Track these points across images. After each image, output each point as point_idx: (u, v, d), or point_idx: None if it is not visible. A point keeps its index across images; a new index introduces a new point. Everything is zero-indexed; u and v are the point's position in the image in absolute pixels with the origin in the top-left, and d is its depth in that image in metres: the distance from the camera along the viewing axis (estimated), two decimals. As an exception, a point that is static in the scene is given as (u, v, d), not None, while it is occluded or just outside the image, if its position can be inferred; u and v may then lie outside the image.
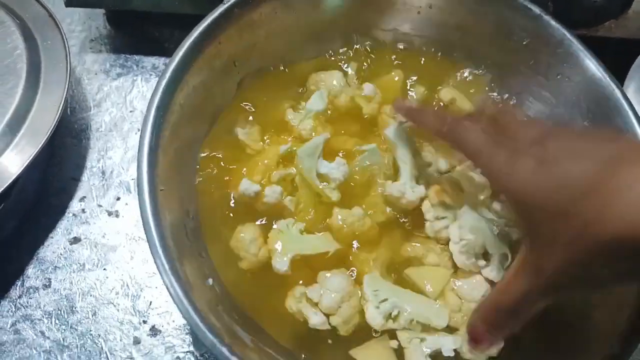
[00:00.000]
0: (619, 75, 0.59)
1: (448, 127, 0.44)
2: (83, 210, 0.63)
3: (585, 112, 0.56)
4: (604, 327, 0.46)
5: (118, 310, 0.57)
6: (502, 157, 0.38)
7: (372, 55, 0.64)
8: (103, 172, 0.65)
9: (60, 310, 0.57)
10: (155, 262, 0.42)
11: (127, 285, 0.59)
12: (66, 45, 0.64)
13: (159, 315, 0.57)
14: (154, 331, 0.57)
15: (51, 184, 0.64)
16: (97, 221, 0.62)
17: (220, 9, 0.53)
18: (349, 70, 0.63)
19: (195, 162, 0.54)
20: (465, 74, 0.64)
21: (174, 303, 0.41)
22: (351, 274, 0.51)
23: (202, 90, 0.53)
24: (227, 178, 0.55)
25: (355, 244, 0.53)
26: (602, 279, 0.35)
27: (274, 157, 0.55)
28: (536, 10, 0.57)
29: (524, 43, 0.59)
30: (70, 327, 0.57)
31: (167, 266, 0.41)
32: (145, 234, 0.43)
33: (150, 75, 0.72)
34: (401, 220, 0.54)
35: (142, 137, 0.46)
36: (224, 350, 0.38)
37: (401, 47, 0.65)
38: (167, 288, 0.41)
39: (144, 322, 0.57)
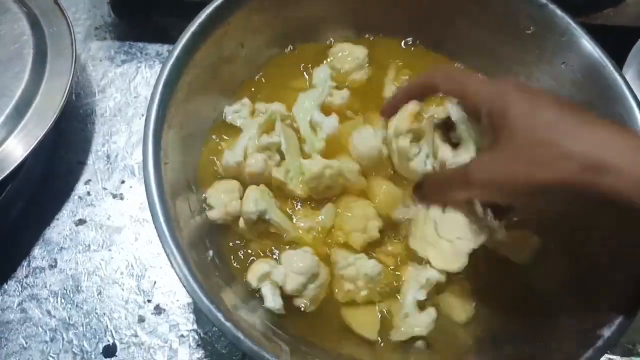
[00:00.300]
0: (618, 61, 0.60)
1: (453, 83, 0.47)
2: (88, 193, 0.64)
3: (588, 97, 0.57)
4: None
5: (123, 289, 0.59)
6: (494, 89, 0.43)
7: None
8: (108, 156, 0.66)
9: (66, 290, 0.59)
10: (157, 231, 0.43)
11: (132, 266, 0.60)
12: (72, 32, 0.65)
13: (163, 295, 0.58)
14: (158, 310, 0.58)
15: (57, 168, 0.65)
16: (102, 203, 0.63)
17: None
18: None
19: (200, 139, 0.55)
20: (472, 63, 0.65)
21: (171, 268, 0.42)
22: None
23: (210, 70, 0.55)
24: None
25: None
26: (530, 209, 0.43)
27: (257, 128, 0.55)
28: (541, -1, 0.58)
29: (530, 32, 0.60)
30: (76, 306, 0.58)
31: (167, 233, 0.43)
32: (148, 202, 0.44)
33: (154, 62, 0.73)
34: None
35: (149, 111, 0.47)
36: (219, 316, 0.39)
37: (409, 38, 0.66)
38: (167, 255, 0.42)
39: (149, 301, 0.58)
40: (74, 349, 0.56)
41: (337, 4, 0.62)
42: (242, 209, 0.51)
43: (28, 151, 0.57)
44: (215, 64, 0.55)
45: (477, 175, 0.42)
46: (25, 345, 0.56)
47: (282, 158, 0.54)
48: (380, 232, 0.52)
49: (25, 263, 0.60)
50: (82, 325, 0.57)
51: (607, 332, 0.44)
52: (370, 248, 0.52)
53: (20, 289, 0.59)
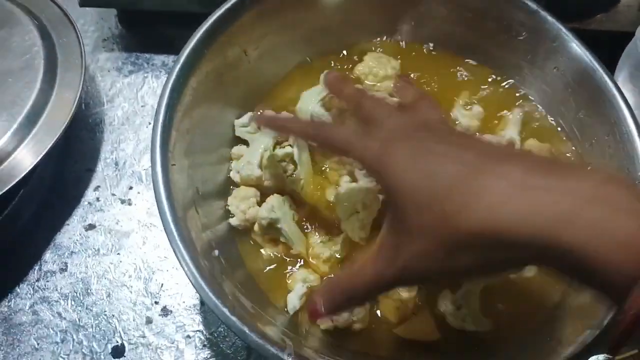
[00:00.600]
0: (610, 65, 0.61)
1: (313, 131, 0.44)
2: (97, 199, 0.66)
3: (580, 101, 0.59)
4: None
5: (131, 292, 0.60)
6: (375, 145, 0.38)
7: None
8: (116, 163, 0.68)
9: (76, 293, 0.60)
10: (166, 231, 0.45)
11: (140, 269, 0.61)
12: (81, 43, 0.67)
13: (170, 297, 0.60)
14: (165, 311, 0.59)
15: (67, 175, 0.67)
16: (111, 209, 0.65)
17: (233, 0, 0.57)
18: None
19: (209, 145, 0.57)
20: (466, 68, 0.66)
21: (180, 267, 0.43)
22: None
23: (214, 76, 0.57)
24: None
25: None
26: (461, 271, 0.36)
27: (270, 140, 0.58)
28: (533, 5, 0.59)
29: (522, 38, 0.62)
30: (86, 308, 0.59)
31: (175, 232, 0.44)
32: (157, 203, 0.46)
33: (160, 72, 0.75)
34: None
35: (156, 116, 0.49)
36: (225, 310, 0.41)
37: (402, 43, 0.68)
38: (175, 253, 0.43)
39: (156, 302, 0.60)
40: (83, 350, 0.57)
41: (327, 17, 0.64)
42: (258, 214, 0.53)
43: (39, 159, 0.59)
44: (220, 71, 0.57)
45: None
46: (36, 346, 0.58)
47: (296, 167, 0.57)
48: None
49: (36, 267, 0.62)
50: (92, 327, 0.59)
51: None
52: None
53: (32, 292, 0.60)
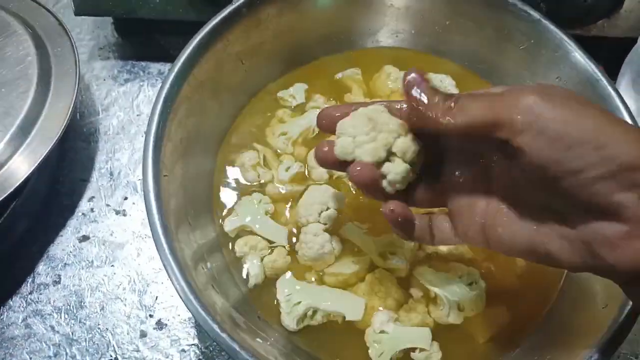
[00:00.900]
0: (611, 71, 0.60)
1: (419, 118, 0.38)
2: (92, 210, 0.65)
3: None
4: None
5: (125, 305, 0.59)
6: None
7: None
8: (111, 173, 0.67)
9: (70, 306, 0.59)
10: (156, 244, 0.44)
11: (134, 281, 0.60)
12: (75, 52, 0.66)
13: (165, 310, 0.59)
14: (160, 325, 0.58)
15: (61, 185, 0.66)
16: (105, 220, 0.64)
17: (229, 8, 0.56)
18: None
19: (202, 154, 0.56)
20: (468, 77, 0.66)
21: (171, 284, 0.42)
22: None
23: (210, 86, 0.56)
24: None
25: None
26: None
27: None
28: (535, 14, 0.58)
29: (523, 47, 0.61)
30: (79, 321, 0.58)
31: (165, 245, 0.44)
32: (147, 214, 0.45)
33: (156, 80, 0.74)
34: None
35: (149, 125, 0.49)
36: (215, 327, 0.40)
37: (402, 52, 0.67)
38: (164, 266, 0.43)
39: (150, 316, 0.59)
40: (77, 364, 0.56)
41: (325, 25, 0.64)
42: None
43: (32, 169, 0.58)
44: (215, 80, 0.57)
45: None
46: (29, 360, 0.57)
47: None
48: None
49: (29, 279, 0.61)
50: (85, 341, 0.57)
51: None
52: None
53: (24, 304, 0.59)
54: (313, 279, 0.53)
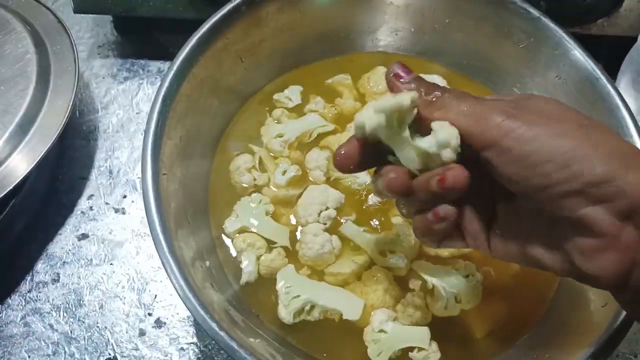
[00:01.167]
0: (611, 70, 0.60)
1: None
2: (91, 208, 0.65)
3: (582, 110, 0.57)
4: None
5: (124, 303, 0.59)
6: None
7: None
8: (110, 172, 0.67)
9: (69, 304, 0.59)
10: (155, 242, 0.44)
11: (133, 280, 0.60)
12: (75, 50, 0.66)
13: (164, 308, 0.59)
14: (159, 323, 0.58)
15: (60, 183, 0.66)
16: (105, 218, 0.64)
17: (229, 6, 0.56)
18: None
19: (201, 152, 0.56)
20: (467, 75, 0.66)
21: (170, 282, 0.42)
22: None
23: (210, 84, 0.56)
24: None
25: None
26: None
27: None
28: (535, 12, 0.58)
29: (523, 45, 0.61)
30: (78, 319, 0.58)
31: (164, 243, 0.43)
32: (146, 213, 0.45)
33: (156, 78, 0.74)
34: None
35: (148, 123, 0.49)
36: (214, 325, 0.40)
37: (401, 50, 0.67)
38: (163, 264, 0.43)
39: (149, 314, 0.59)
40: (75, 363, 0.56)
41: (325, 23, 0.64)
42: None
43: (31, 167, 0.58)
44: (215, 78, 0.57)
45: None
46: (28, 359, 0.56)
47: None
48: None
49: (28, 277, 0.61)
50: (84, 339, 0.57)
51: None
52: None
53: (23, 303, 0.59)
54: (310, 276, 0.53)
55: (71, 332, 0.58)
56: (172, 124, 0.51)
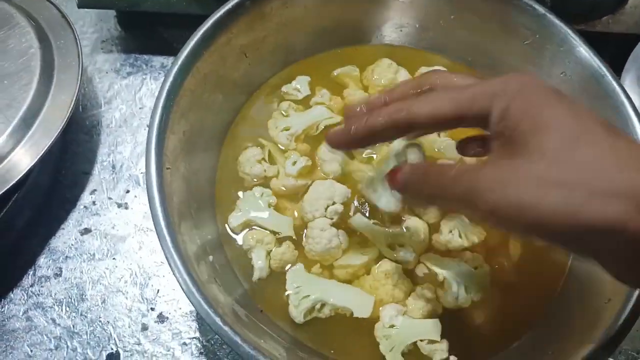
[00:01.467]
0: (616, 67, 0.60)
1: (401, 114, 0.37)
2: (94, 203, 0.65)
3: (587, 107, 0.57)
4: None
5: (127, 298, 0.59)
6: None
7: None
8: (113, 166, 0.67)
9: (71, 298, 0.59)
10: (158, 236, 0.44)
11: (136, 274, 0.60)
12: (78, 45, 0.66)
13: (166, 303, 0.59)
14: (161, 318, 0.58)
15: (63, 178, 0.66)
16: (107, 213, 0.64)
17: (233, 1, 0.56)
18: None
19: (205, 146, 0.56)
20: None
21: (173, 276, 0.42)
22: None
23: (214, 79, 0.56)
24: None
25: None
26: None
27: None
28: (540, 9, 0.58)
29: (528, 42, 0.60)
30: (80, 314, 0.58)
31: (168, 237, 0.43)
32: (150, 207, 0.45)
33: (159, 73, 0.74)
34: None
35: (152, 117, 0.49)
36: (217, 320, 0.40)
37: (405, 46, 0.67)
38: (167, 259, 0.43)
39: (152, 309, 0.58)
40: (77, 357, 0.56)
41: (330, 19, 0.64)
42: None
43: (35, 161, 0.58)
44: (219, 73, 0.57)
45: (487, 197, 0.31)
46: (30, 353, 0.56)
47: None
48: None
49: (30, 272, 0.61)
50: (86, 334, 0.57)
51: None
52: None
53: (25, 297, 0.59)
54: (322, 272, 0.53)
55: (73, 326, 0.58)
56: (176, 119, 0.51)
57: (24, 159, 0.58)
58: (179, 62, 0.52)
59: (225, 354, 0.56)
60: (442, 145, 0.59)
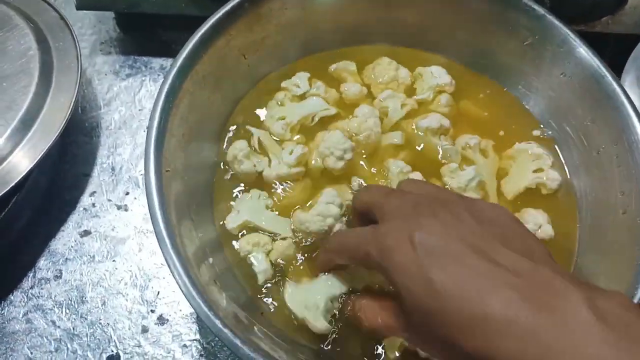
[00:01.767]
0: (616, 68, 0.60)
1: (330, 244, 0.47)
2: (93, 205, 0.65)
3: (587, 109, 0.57)
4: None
5: (127, 300, 0.59)
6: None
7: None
8: (113, 168, 0.67)
9: (71, 300, 0.59)
10: (158, 238, 0.44)
11: (136, 276, 0.60)
12: (77, 47, 0.66)
13: (167, 305, 0.59)
14: (162, 320, 0.58)
15: (63, 180, 0.66)
16: (107, 215, 0.64)
17: (232, 3, 0.56)
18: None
19: (204, 149, 0.56)
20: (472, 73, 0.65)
21: (173, 279, 0.42)
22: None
23: (213, 80, 0.56)
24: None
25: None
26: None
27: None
28: (540, 9, 0.58)
29: (528, 43, 0.60)
30: (80, 316, 0.58)
31: (167, 239, 0.43)
32: (149, 209, 0.45)
33: (158, 75, 0.74)
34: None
35: (151, 120, 0.49)
36: (217, 322, 0.40)
37: (402, 48, 0.67)
38: (166, 260, 0.43)
39: (152, 311, 0.58)
40: (78, 359, 0.56)
41: (328, 19, 0.64)
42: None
43: (34, 163, 0.58)
44: (218, 75, 0.57)
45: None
46: (30, 355, 0.56)
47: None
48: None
49: (30, 274, 0.61)
50: (87, 336, 0.57)
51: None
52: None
53: (25, 299, 0.59)
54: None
55: (73, 328, 0.58)
56: (175, 121, 0.51)
57: (23, 161, 0.58)
58: (178, 63, 0.52)
59: (226, 356, 0.56)
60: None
